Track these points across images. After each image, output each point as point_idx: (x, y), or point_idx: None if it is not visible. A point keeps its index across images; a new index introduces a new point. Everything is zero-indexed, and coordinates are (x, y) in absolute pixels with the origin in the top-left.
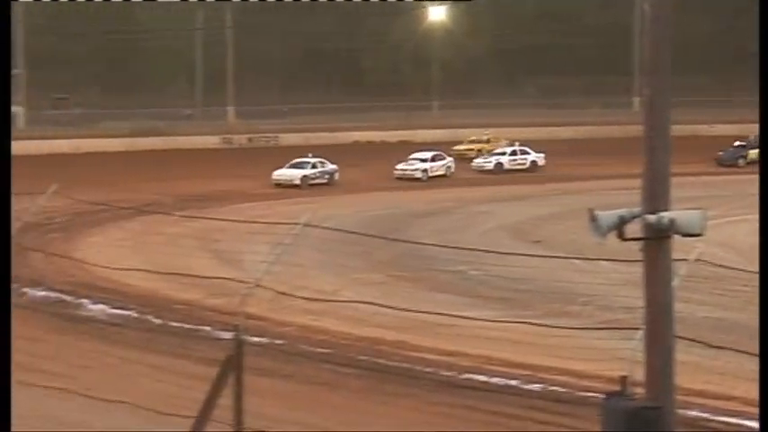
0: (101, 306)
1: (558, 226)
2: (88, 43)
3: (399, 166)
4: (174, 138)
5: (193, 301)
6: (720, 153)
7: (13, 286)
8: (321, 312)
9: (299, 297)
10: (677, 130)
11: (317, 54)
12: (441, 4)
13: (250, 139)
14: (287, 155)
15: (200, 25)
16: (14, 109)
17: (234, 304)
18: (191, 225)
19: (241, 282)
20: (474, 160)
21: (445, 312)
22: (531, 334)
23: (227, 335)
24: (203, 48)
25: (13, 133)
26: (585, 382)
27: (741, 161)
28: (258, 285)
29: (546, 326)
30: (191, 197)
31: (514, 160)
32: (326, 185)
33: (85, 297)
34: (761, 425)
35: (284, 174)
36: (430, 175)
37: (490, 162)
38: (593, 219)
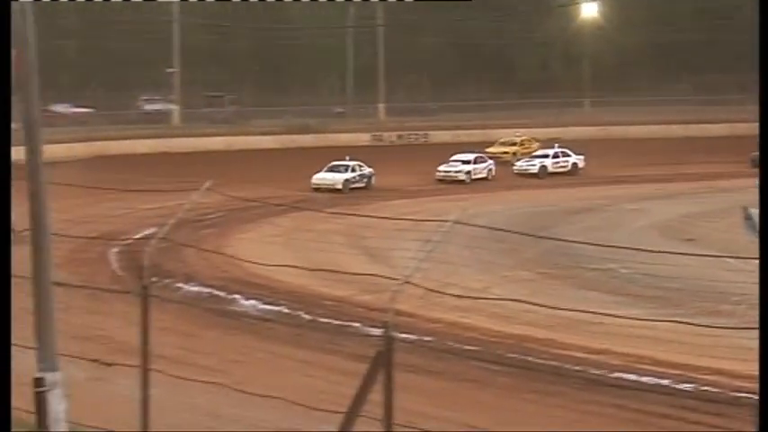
0: (252, 302)
1: (711, 224)
2: (243, 42)
3: (441, 168)
4: (325, 135)
5: (343, 297)
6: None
7: (167, 281)
8: (470, 309)
9: (448, 294)
10: None
11: (468, 51)
12: (591, 1)
13: (400, 137)
14: (436, 152)
15: (352, 23)
16: (170, 107)
17: (383, 301)
18: (340, 221)
19: (390, 278)
20: (515, 163)
21: (594, 310)
22: (681, 333)
23: (377, 331)
24: (355, 45)
25: (169, 130)
26: (738, 383)
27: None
28: (407, 282)
29: (697, 325)
30: (340, 194)
31: (557, 163)
32: (485, 180)
33: (237, 293)
34: (761, 423)
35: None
36: (473, 177)
37: (534, 165)
38: (747, 217)
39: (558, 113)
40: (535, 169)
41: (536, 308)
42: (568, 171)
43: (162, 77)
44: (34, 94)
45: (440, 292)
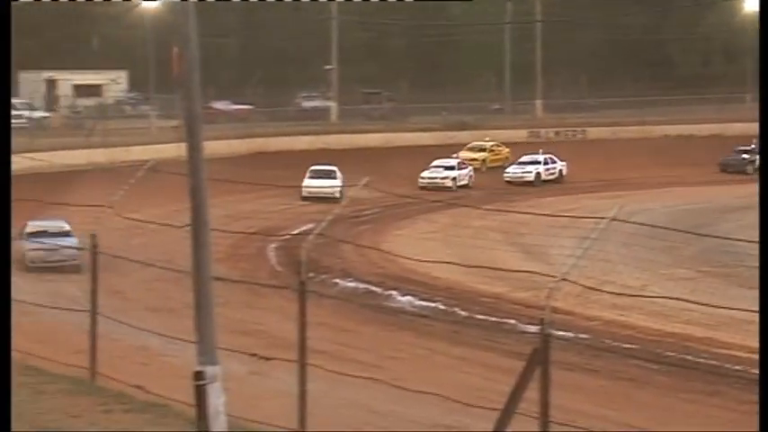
0: (408, 298)
1: None
2: (400, 39)
3: (425, 174)
4: (482, 132)
5: (499, 294)
6: (725, 158)
7: (324, 277)
8: (628, 307)
9: (605, 292)
10: None
11: (626, 46)
12: None
13: (557, 133)
14: (594, 148)
15: (510, 19)
16: (328, 103)
17: (540, 298)
18: (497, 218)
19: (547, 276)
20: (507, 170)
21: (756, 310)
22: None
23: (533, 328)
24: (512, 41)
25: (326, 127)
26: None
27: (750, 168)
28: (564, 279)
29: None
30: (498, 190)
31: (548, 170)
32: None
33: (394, 288)
34: (761, 422)
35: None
36: (458, 184)
37: (529, 172)
38: None
39: (718, 109)
40: (531, 177)
41: (695, 306)
42: (555, 179)
43: (320, 75)
44: (196, 91)
45: (597, 290)
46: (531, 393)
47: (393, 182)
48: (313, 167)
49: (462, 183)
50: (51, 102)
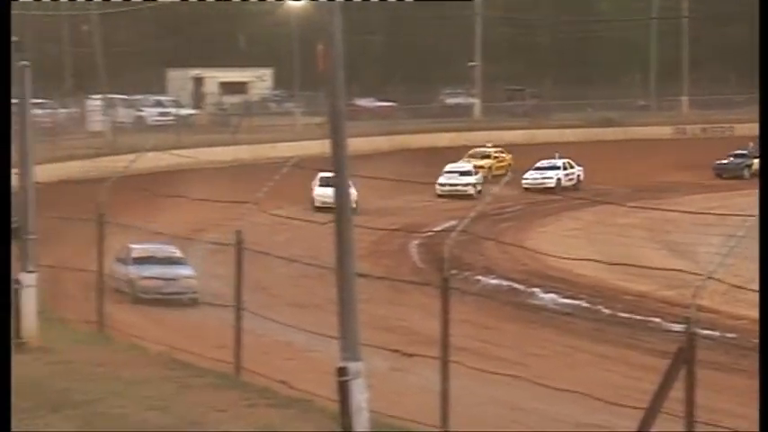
0: (551, 295)
1: None
2: (544, 35)
3: (441, 180)
4: (626, 129)
5: (643, 292)
6: (719, 162)
7: (466, 274)
8: None
9: (752, 290)
10: None
11: None
12: None
13: (704, 130)
14: (741, 145)
15: (656, 14)
16: (471, 100)
17: (685, 296)
18: (642, 216)
19: (693, 274)
20: (525, 176)
21: None
22: None
23: (678, 327)
24: (658, 37)
25: (469, 124)
26: None
27: (746, 172)
28: (710, 278)
29: None
30: (643, 188)
31: (567, 175)
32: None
33: (537, 286)
34: (761, 425)
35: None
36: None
37: (550, 178)
38: None
39: None
40: (552, 182)
41: None
42: (573, 185)
43: (463, 71)
44: (340, 88)
45: (744, 288)
46: (676, 392)
47: None
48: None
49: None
50: (198, 99)
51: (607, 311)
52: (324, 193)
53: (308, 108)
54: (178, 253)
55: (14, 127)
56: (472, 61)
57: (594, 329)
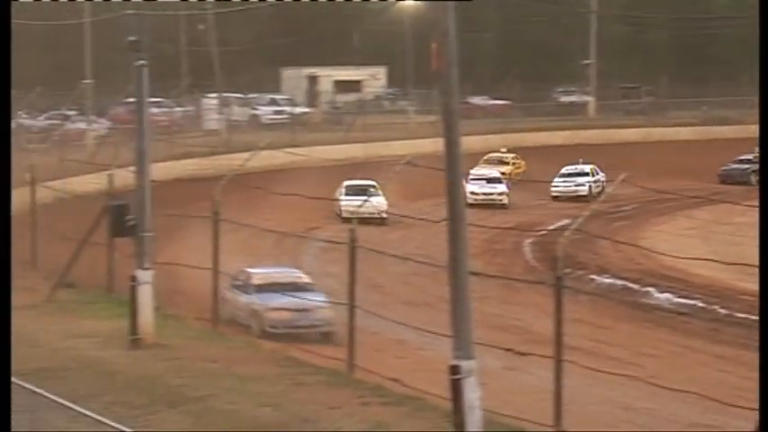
0: (666, 295)
1: None
2: (660, 32)
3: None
4: (744, 126)
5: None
6: (724, 168)
7: (580, 273)
8: None
9: None
10: None
11: None
12: None
13: None
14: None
15: None
16: (585, 98)
17: None
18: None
19: None
20: (552, 184)
21: None
22: None
23: None
24: None
25: (584, 122)
26: None
27: (753, 178)
28: None
29: None
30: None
31: (596, 182)
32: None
33: (651, 285)
34: (761, 425)
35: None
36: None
37: (583, 186)
38: None
39: None
40: (584, 190)
41: None
42: (599, 192)
43: (578, 69)
44: (454, 86)
45: None
46: None
47: (651, 177)
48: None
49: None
50: (312, 98)
51: (723, 311)
52: (350, 203)
53: (421, 106)
54: (305, 278)
55: (132, 126)
56: (587, 59)
57: (710, 330)
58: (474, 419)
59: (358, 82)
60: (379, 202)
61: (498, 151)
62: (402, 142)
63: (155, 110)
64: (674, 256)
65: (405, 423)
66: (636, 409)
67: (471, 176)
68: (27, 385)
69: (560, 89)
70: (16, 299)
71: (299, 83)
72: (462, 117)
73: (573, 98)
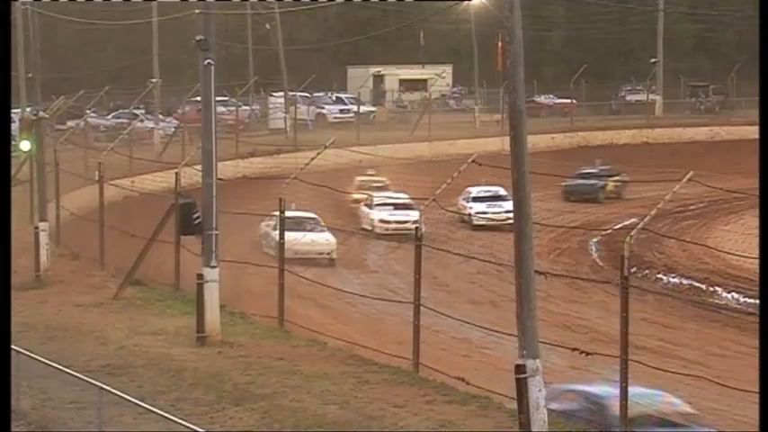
0: (734, 294)
1: None
2: (729, 30)
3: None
4: None
5: None
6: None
7: (647, 272)
8: None
9: None
10: None
11: None
12: None
13: None
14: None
15: None
16: (652, 97)
17: None
18: None
19: None
20: (566, 183)
21: None
22: None
23: None
24: None
25: (650, 121)
26: None
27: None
28: None
29: None
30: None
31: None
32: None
33: (719, 285)
34: (761, 425)
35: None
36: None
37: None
38: None
39: None
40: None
41: None
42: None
43: (645, 67)
44: (520, 85)
45: None
46: None
47: (719, 176)
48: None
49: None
50: (378, 96)
51: None
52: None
53: (487, 105)
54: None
55: (199, 124)
56: (654, 57)
57: None
58: (539, 418)
59: (424, 80)
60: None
61: (366, 174)
62: (467, 141)
63: (221, 108)
64: (741, 256)
65: (470, 422)
66: (701, 409)
67: (376, 201)
68: (95, 382)
69: (627, 87)
70: (84, 296)
71: (365, 81)
72: (528, 116)
73: (639, 96)
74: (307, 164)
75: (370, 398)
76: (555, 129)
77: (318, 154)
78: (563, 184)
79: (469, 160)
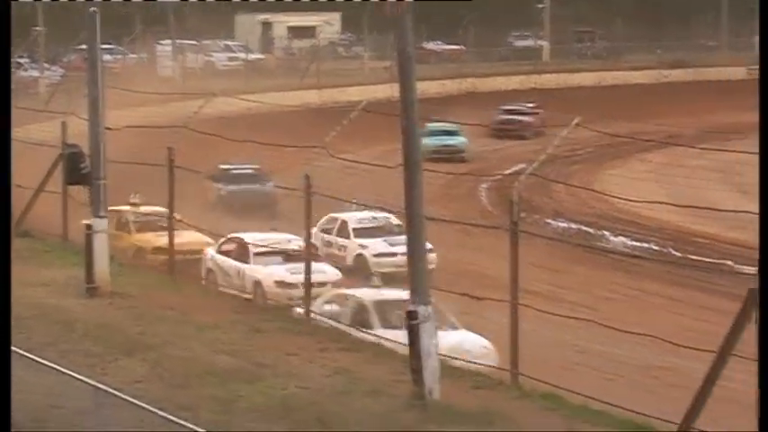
0: (621, 238)
1: None
2: None
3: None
4: (699, 69)
5: (714, 234)
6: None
7: (536, 217)
8: None
9: None
10: None
11: None
12: None
13: None
14: None
15: None
16: (540, 43)
17: (756, 239)
18: (713, 157)
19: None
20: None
21: None
22: None
23: (750, 269)
24: None
25: (538, 67)
26: None
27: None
28: None
29: None
30: (714, 129)
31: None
32: None
33: (605, 229)
34: (760, 425)
35: None
36: None
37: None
38: None
39: None
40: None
41: None
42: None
43: (532, 14)
44: (408, 32)
45: None
46: (748, 334)
47: (606, 121)
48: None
49: None
50: (266, 44)
51: (677, 254)
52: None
53: (376, 52)
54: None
55: (85, 73)
56: (541, 3)
57: (665, 272)
58: (431, 364)
59: (312, 28)
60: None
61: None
62: (357, 88)
63: (107, 57)
64: (627, 199)
65: (363, 368)
66: (589, 351)
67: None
68: None
69: (515, 33)
70: None
71: (254, 29)
72: (417, 62)
73: (527, 42)
74: (195, 112)
75: (263, 346)
76: (444, 75)
77: (207, 102)
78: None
79: (359, 107)
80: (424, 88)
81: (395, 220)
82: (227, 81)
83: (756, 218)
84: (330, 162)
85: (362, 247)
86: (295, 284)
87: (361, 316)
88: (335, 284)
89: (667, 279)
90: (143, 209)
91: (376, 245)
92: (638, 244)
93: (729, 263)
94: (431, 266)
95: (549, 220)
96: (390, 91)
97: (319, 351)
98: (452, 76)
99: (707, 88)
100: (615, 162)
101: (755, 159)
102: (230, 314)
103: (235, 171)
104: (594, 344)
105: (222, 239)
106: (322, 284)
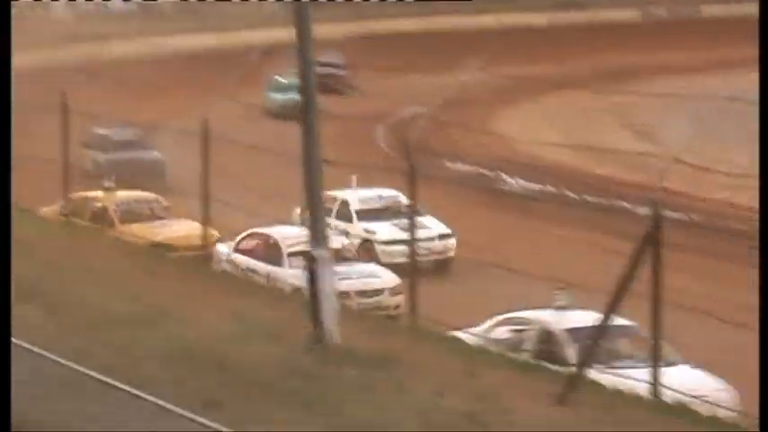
0: (518, 180)
1: None
2: None
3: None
4: (594, 11)
5: (610, 175)
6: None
7: (435, 161)
8: (739, 188)
9: (718, 172)
10: None
11: None
12: None
13: (669, 11)
14: (708, 28)
15: None
16: None
17: (651, 179)
18: (608, 100)
19: (658, 157)
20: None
21: None
22: None
23: (645, 210)
24: None
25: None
26: None
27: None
28: (676, 160)
29: None
30: (609, 72)
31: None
32: None
33: (503, 171)
34: (761, 425)
35: None
36: None
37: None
38: None
39: None
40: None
41: None
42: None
43: None
44: None
45: (709, 170)
46: (643, 273)
47: (502, 64)
48: None
49: None
50: None
51: (574, 195)
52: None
53: None
54: None
55: None
56: None
57: (562, 213)
58: (329, 306)
59: None
60: None
61: None
62: (256, 31)
63: None
64: (523, 141)
65: (263, 311)
66: (485, 291)
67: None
68: None
69: None
70: None
71: None
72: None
73: None
74: (89, 55)
75: (162, 291)
76: (347, 18)
77: (102, 45)
78: None
79: (258, 52)
80: (321, 31)
81: (403, 199)
82: (123, 24)
83: (650, 158)
84: (230, 106)
85: (369, 232)
86: (348, 293)
87: (548, 347)
88: (393, 291)
89: (564, 220)
90: (120, 194)
91: (384, 229)
92: (535, 185)
93: (625, 204)
94: (450, 254)
95: (447, 164)
96: (289, 35)
97: (220, 295)
98: (345, 19)
99: (600, 31)
100: (511, 105)
101: (649, 101)
102: (129, 258)
103: (114, 137)
104: (492, 285)
105: (241, 235)
106: (377, 292)
